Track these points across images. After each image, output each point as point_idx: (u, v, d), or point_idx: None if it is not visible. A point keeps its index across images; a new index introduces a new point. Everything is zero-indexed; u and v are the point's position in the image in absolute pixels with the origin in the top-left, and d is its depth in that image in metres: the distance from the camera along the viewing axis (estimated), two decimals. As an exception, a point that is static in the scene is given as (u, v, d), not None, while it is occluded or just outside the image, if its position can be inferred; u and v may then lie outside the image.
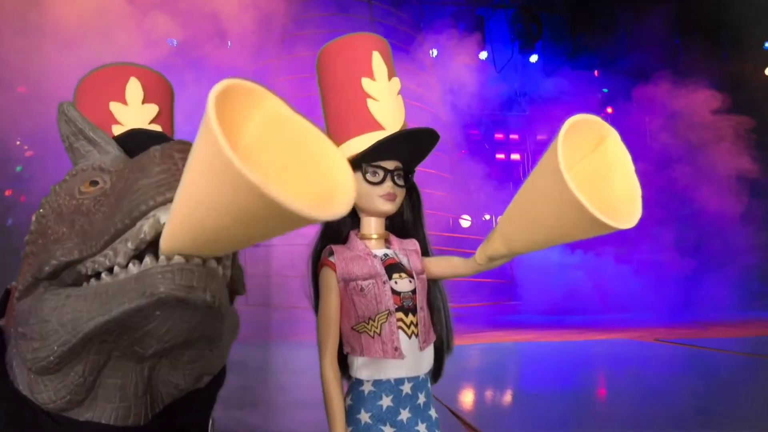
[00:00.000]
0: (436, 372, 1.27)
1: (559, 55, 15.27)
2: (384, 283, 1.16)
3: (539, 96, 14.87)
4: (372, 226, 1.22)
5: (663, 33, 13.21)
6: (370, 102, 1.19)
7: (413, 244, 1.27)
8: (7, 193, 8.84)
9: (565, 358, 6.16)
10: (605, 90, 15.28)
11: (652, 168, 11.69)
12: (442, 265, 1.26)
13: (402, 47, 10.95)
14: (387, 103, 1.21)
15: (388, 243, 1.24)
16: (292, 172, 0.58)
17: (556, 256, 11.40)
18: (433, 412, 1.22)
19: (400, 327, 1.15)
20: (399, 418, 1.16)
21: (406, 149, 1.20)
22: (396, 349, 1.14)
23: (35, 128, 6.26)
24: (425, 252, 1.28)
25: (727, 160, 11.25)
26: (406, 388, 1.17)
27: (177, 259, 0.66)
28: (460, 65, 11.65)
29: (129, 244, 0.72)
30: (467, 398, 4.02)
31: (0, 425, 0.83)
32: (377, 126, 1.18)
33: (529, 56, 15.42)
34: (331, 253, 1.19)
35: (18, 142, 8.13)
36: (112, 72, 1.30)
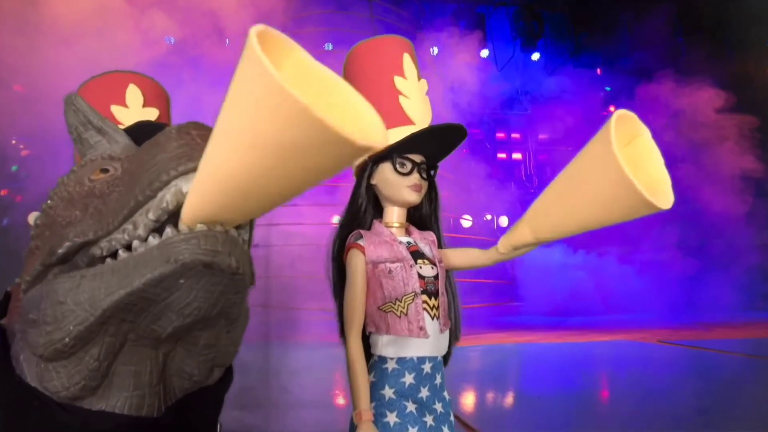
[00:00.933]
0: (445, 358, 1.35)
1: (561, 54, 15.27)
2: (411, 266, 1.26)
3: (541, 95, 14.88)
4: (395, 214, 1.32)
5: (666, 31, 13.21)
6: (401, 98, 1.29)
7: (431, 235, 1.36)
8: (3, 192, 8.84)
9: (567, 360, 6.16)
10: (608, 89, 15.28)
11: (655, 167, 11.66)
12: (460, 256, 1.36)
13: (402, 45, 10.94)
14: (417, 100, 1.31)
15: (408, 232, 1.34)
16: (331, 113, 0.56)
17: (558, 257, 11.40)
18: (446, 394, 1.31)
19: (424, 309, 1.24)
20: (419, 395, 1.24)
21: (435, 144, 1.30)
22: (421, 328, 1.23)
23: (32, 127, 6.26)
24: (439, 245, 1.37)
25: (730, 160, 11.25)
26: (427, 367, 1.25)
27: (199, 227, 0.66)
28: (460, 63, 11.64)
29: (150, 215, 0.70)
30: (468, 400, 4.02)
31: (7, 418, 0.81)
32: (408, 121, 1.28)
33: (531, 54, 15.42)
34: (360, 237, 1.28)
35: (14, 141, 8.13)
36: (111, 78, 1.36)
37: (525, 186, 15.17)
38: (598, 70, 15.15)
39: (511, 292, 11.32)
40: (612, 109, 14.93)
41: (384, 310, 1.25)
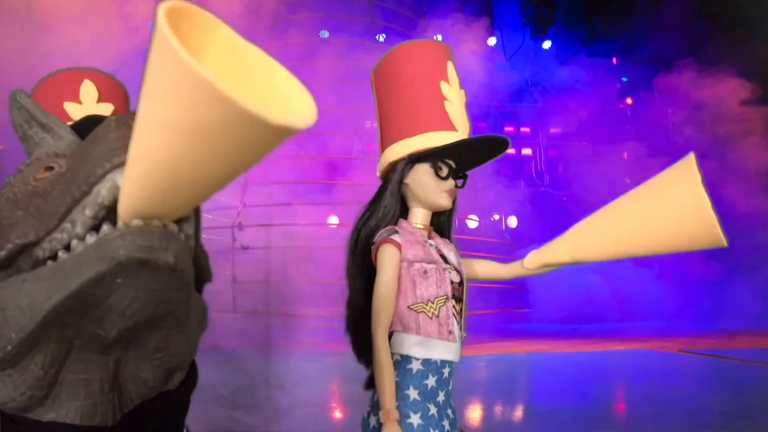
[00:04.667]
0: None
1: (574, 42, 15.28)
2: (444, 270, 1.33)
3: (552, 86, 14.88)
4: (420, 216, 1.40)
5: (686, 17, 13.21)
6: (446, 104, 1.37)
7: (450, 243, 1.44)
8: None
9: (581, 371, 6.17)
10: (624, 79, 15.29)
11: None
12: (482, 266, 1.47)
13: (403, 32, 10.96)
14: (459, 108, 1.40)
15: (431, 237, 1.41)
16: (251, 94, 0.56)
17: (571, 260, 11.37)
18: (452, 401, 1.38)
19: (453, 313, 1.32)
20: (438, 398, 1.32)
21: (472, 154, 1.40)
22: (450, 332, 1.31)
23: (4, 120, 6.26)
24: None
25: (757, 155, 11.26)
26: (446, 371, 1.32)
27: (136, 222, 0.67)
28: (466, 52, 11.65)
29: (87, 212, 0.72)
30: (475, 413, 4.02)
31: None
32: (451, 126, 1.36)
33: (542, 42, 15.43)
34: (395, 233, 1.34)
35: (-14, 136, 8.14)
36: (65, 76, 1.43)
37: (535, 184, 15.18)
38: (614, 60, 15.16)
39: (521, 298, 11.33)
40: (628, 101, 14.98)
41: (415, 310, 1.31)
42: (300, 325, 7.92)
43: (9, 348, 0.74)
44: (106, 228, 0.70)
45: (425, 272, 1.31)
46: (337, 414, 4.15)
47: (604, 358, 7.11)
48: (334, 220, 9.74)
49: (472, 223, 11.50)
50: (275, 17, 9.90)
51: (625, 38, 14.69)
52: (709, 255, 11.48)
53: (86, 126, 1.00)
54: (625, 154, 13.29)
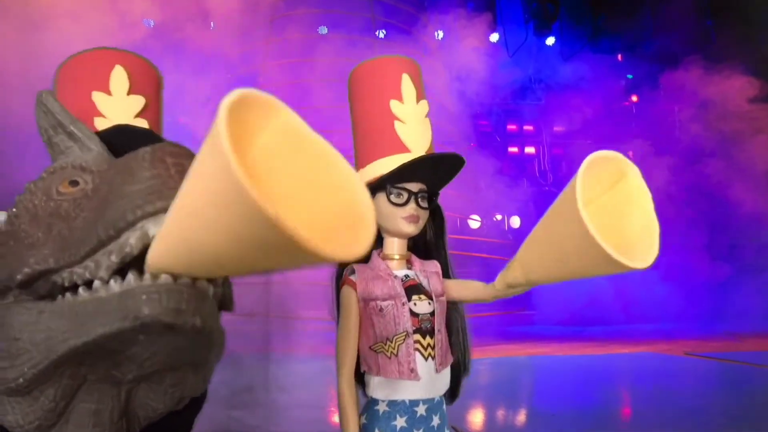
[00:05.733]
0: (452, 393, 1.39)
1: (579, 38, 15.28)
2: (403, 304, 1.30)
3: (556, 83, 14.88)
4: (395, 246, 1.36)
5: (693, 13, 13.21)
6: (397, 124, 1.34)
7: (435, 266, 1.40)
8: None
9: (585, 374, 6.16)
10: (629, 76, 15.29)
11: (682, 163, 11.69)
12: (461, 289, 1.40)
13: (404, 29, 10.95)
14: (414, 125, 1.36)
15: (409, 264, 1.38)
16: (306, 196, 0.57)
17: (575, 261, 11.36)
18: None
19: (417, 349, 1.28)
20: None
21: (431, 172, 1.35)
22: (412, 370, 1.27)
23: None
24: (446, 274, 1.42)
25: (764, 154, 11.25)
26: (421, 409, 1.29)
27: (164, 278, 0.65)
28: (468, 49, 11.65)
29: (113, 258, 0.71)
30: (477, 418, 4.02)
31: None
32: (403, 148, 1.33)
33: (545, 39, 15.43)
34: (353, 272, 1.32)
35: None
36: (95, 57, 1.31)
37: (539, 183, 15.18)
38: (619, 56, 15.17)
39: (524, 300, 11.32)
40: (634, 98, 14.97)
41: (375, 350, 1.30)
42: (300, 327, 7.93)
43: (21, 381, 0.74)
44: (131, 278, 0.68)
45: (381, 309, 1.29)
46: (336, 419, 4.15)
47: (607, 361, 7.10)
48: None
49: (474, 223, 11.50)
50: (273, 13, 9.90)
51: (631, 34, 14.68)
52: (716, 255, 11.50)
53: (115, 137, 1.00)
54: (631, 153, 13.27)
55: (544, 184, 15.18)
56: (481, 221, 11.83)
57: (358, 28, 10.49)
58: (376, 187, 1.32)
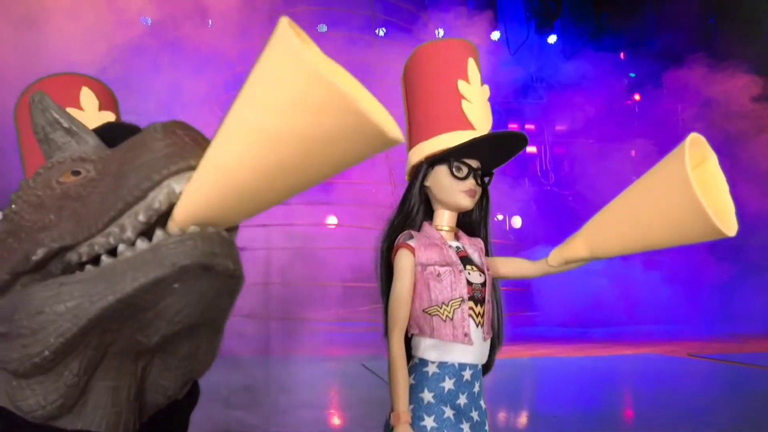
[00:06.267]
0: (486, 366, 1.47)
1: (581, 36, 15.29)
2: (460, 272, 1.37)
3: (558, 81, 14.89)
4: (446, 218, 1.45)
5: (696, 10, 13.22)
6: (464, 103, 1.42)
7: (479, 242, 1.50)
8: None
9: (587, 375, 6.17)
10: (632, 74, 15.29)
11: (685, 162, 11.66)
12: (508, 265, 1.50)
13: (404, 26, 10.96)
14: (479, 105, 1.44)
15: (457, 237, 1.47)
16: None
17: (578, 261, 11.37)
18: (483, 402, 1.43)
19: (470, 315, 1.36)
20: (458, 401, 1.36)
21: (492, 151, 1.44)
22: (466, 335, 1.35)
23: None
24: (487, 252, 1.51)
25: (769, 154, 11.27)
26: (467, 374, 1.37)
27: (192, 228, 0.69)
28: (469, 47, 11.63)
29: (140, 217, 0.73)
30: (477, 420, 4.01)
31: None
32: (469, 125, 1.41)
33: (547, 37, 15.44)
34: (411, 237, 1.40)
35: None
36: (62, 80, 1.45)
37: (540, 183, 15.18)
38: (622, 54, 15.17)
39: (526, 301, 11.33)
40: (636, 97, 14.97)
41: (429, 313, 1.36)
42: (299, 328, 7.94)
43: (46, 353, 0.74)
44: (160, 233, 0.70)
45: (438, 275, 1.36)
46: (336, 420, 4.16)
47: (611, 362, 7.11)
48: (332, 220, 9.75)
49: (490, 204, 11.49)
50: (271, 10, 9.88)
51: (634, 32, 14.69)
52: (720, 256, 11.50)
53: (109, 132, 1.03)
54: (633, 152, 13.29)
55: (546, 183, 15.18)
56: (483, 221, 11.82)
57: (357, 26, 10.50)
58: (437, 159, 1.41)
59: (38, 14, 6.96)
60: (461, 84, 1.43)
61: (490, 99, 1.49)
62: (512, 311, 10.53)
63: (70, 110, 1.30)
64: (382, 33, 11.31)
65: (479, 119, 1.42)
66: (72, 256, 0.77)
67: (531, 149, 15.76)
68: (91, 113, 1.39)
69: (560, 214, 12.16)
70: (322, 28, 10.93)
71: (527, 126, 15.77)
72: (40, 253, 0.77)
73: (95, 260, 0.75)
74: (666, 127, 13.25)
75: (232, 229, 0.79)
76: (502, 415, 4.30)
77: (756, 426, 3.75)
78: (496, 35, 14.41)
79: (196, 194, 0.67)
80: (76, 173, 0.85)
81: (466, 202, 1.42)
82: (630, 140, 13.36)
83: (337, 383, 5.75)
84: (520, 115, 15.63)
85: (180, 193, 0.71)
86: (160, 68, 8.44)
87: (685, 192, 1.02)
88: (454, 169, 1.40)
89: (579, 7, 15.40)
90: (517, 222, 13.91)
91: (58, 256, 0.78)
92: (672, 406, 4.40)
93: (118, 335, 0.76)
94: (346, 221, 9.11)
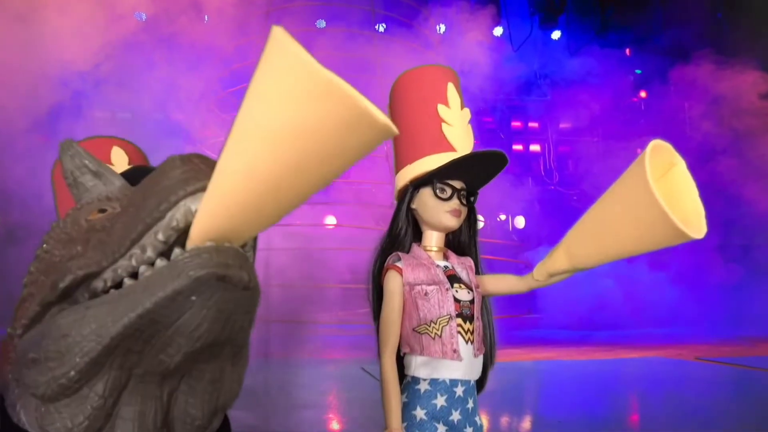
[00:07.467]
0: (480, 382, 1.52)
1: (586, 31, 15.29)
2: (447, 290, 1.44)
3: (562, 78, 14.90)
4: (434, 239, 1.52)
5: (703, 6, 13.23)
6: (444, 126, 1.49)
7: (468, 261, 1.55)
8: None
9: (593, 380, 6.17)
10: (638, 71, 15.30)
11: (693, 161, 11.55)
12: (495, 282, 1.56)
13: (405, 22, 10.96)
14: (459, 128, 1.51)
15: (446, 257, 1.53)
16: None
17: (582, 263, 11.37)
18: (478, 419, 1.47)
19: (459, 332, 1.42)
20: (451, 418, 1.41)
21: (475, 171, 1.50)
22: (455, 351, 1.40)
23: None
24: (477, 271, 1.56)
25: (778, 152, 11.26)
26: (459, 390, 1.42)
27: (208, 244, 0.73)
28: (471, 43, 11.65)
29: (159, 236, 0.78)
30: (480, 425, 4.02)
31: None
32: (450, 147, 1.48)
33: (551, 32, 15.45)
34: (398, 259, 1.47)
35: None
36: (93, 143, 1.56)
37: (544, 182, 15.20)
38: (627, 51, 15.17)
39: (529, 303, 11.34)
40: (643, 94, 14.97)
41: (419, 332, 1.42)
42: (299, 331, 7.96)
43: (72, 374, 0.78)
44: (177, 251, 0.76)
45: (426, 294, 1.43)
46: (335, 425, 4.16)
47: (616, 366, 7.11)
48: (331, 220, 9.75)
49: (478, 223, 11.49)
50: (269, 6, 9.90)
51: (640, 28, 14.70)
52: (729, 257, 11.51)
53: (134, 174, 1.11)
54: (639, 151, 13.08)
55: (550, 182, 15.19)
56: (485, 222, 11.84)
57: (357, 22, 10.49)
58: (421, 182, 1.48)
59: (29, 9, 6.96)
60: (441, 108, 1.51)
61: (471, 121, 1.55)
62: (514, 313, 10.54)
63: None
64: (382, 29, 11.32)
65: (460, 141, 1.49)
66: (98, 284, 0.82)
67: (534, 147, 15.78)
68: (121, 168, 1.51)
69: (564, 214, 12.15)
70: (321, 23, 10.94)
71: (531, 124, 15.79)
72: (67, 280, 0.82)
73: (119, 285, 0.80)
74: (673, 125, 13.26)
75: (248, 246, 0.83)
76: (505, 420, 4.31)
77: (764, 428, 3.75)
78: (498, 31, 14.41)
79: (210, 208, 0.71)
80: (103, 211, 0.92)
81: (452, 222, 1.49)
82: (636, 138, 13.32)
83: (336, 386, 5.76)
84: (524, 113, 15.65)
85: (196, 212, 0.75)
86: (155, 64, 8.44)
87: (650, 202, 1.07)
88: (437, 191, 1.47)
89: (584, 2, 15.40)
90: (520, 222, 13.93)
91: (84, 283, 0.83)
92: (679, 410, 4.40)
93: (140, 355, 0.79)
94: (346, 221, 9.12)
